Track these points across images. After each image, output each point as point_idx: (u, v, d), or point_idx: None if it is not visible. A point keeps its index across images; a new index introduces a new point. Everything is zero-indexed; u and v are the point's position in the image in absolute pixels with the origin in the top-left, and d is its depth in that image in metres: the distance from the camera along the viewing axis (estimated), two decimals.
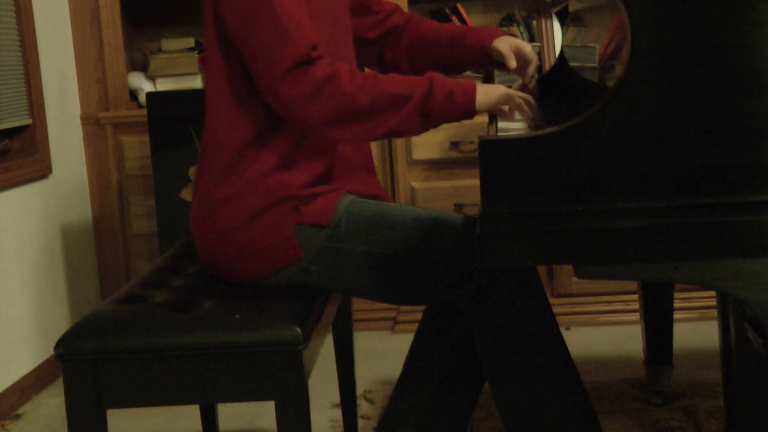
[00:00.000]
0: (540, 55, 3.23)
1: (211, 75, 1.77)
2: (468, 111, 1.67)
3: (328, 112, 1.64)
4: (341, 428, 2.39)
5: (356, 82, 1.64)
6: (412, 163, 3.20)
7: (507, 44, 1.93)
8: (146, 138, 3.25)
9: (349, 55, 1.89)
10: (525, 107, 1.72)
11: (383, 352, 3.07)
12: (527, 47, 1.93)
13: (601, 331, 3.14)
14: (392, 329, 3.28)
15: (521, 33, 3.31)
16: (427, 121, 1.66)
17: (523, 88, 1.95)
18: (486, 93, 1.68)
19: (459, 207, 3.15)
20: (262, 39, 1.65)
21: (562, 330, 3.07)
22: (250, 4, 1.66)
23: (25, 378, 2.82)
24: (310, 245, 1.73)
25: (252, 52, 1.67)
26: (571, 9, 2.24)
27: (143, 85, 3.36)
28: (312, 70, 1.63)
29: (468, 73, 3.26)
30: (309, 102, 1.63)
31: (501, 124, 1.78)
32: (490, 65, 1.99)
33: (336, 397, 2.48)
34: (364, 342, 3.14)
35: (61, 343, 1.58)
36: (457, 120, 1.69)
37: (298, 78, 1.63)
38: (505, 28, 3.32)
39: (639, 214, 1.38)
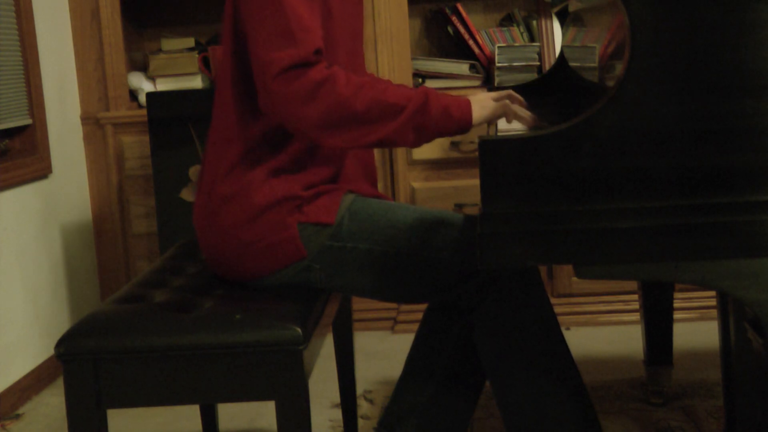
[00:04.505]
0: (540, 55, 3.23)
1: (223, 70, 1.76)
2: (463, 127, 1.67)
3: (321, 115, 1.61)
4: (341, 428, 2.39)
5: (352, 87, 1.62)
6: (412, 163, 3.20)
7: None
8: (146, 138, 3.25)
9: (362, 68, 1.89)
10: (521, 113, 1.71)
11: (383, 352, 3.07)
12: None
13: (601, 331, 3.14)
14: (392, 329, 3.28)
15: (521, 33, 3.31)
16: (421, 134, 1.65)
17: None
18: (481, 107, 1.68)
19: (459, 207, 3.15)
20: (266, 36, 1.63)
21: (562, 330, 3.07)
22: (262, 2, 1.64)
23: (25, 378, 2.82)
24: (312, 244, 1.73)
25: (255, 48, 1.65)
26: (571, 9, 2.24)
27: (143, 85, 3.36)
28: (308, 72, 1.61)
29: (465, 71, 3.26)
30: (302, 103, 1.61)
31: (501, 125, 1.78)
32: None
33: (336, 397, 2.48)
34: (364, 342, 3.14)
35: (61, 343, 1.58)
36: (452, 135, 1.68)
37: (292, 79, 1.61)
38: (504, 29, 3.32)
39: (639, 214, 1.38)
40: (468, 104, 1.66)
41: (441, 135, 1.67)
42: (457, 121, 1.65)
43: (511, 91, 1.83)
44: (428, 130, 1.64)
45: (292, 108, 1.62)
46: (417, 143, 1.66)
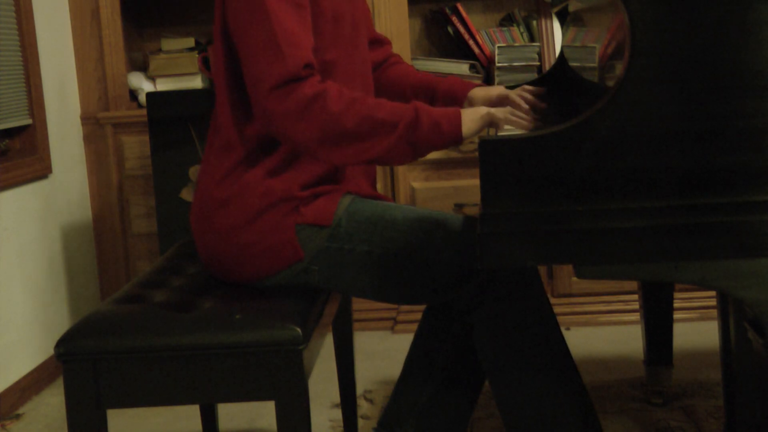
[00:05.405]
0: (540, 55, 3.23)
1: (217, 75, 1.77)
2: (454, 140, 1.66)
3: (315, 131, 1.62)
4: (341, 428, 2.39)
5: (343, 103, 1.63)
6: (412, 163, 3.20)
7: (483, 95, 1.92)
8: (146, 138, 3.25)
9: (363, 70, 1.89)
10: (512, 118, 1.70)
11: (383, 352, 3.07)
12: (503, 90, 1.92)
13: (601, 331, 3.14)
14: (392, 329, 3.28)
15: (521, 33, 3.31)
16: (415, 150, 1.65)
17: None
18: (470, 120, 1.67)
19: (459, 207, 3.15)
20: (254, 51, 1.64)
21: (562, 330, 3.08)
22: (250, 13, 1.65)
23: (25, 378, 2.82)
24: (310, 245, 1.73)
25: (245, 62, 1.67)
26: (571, 9, 2.24)
27: (143, 85, 3.36)
28: (300, 88, 1.62)
29: (466, 68, 3.26)
30: (296, 120, 1.62)
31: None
32: None
33: (336, 397, 2.48)
34: (364, 342, 3.14)
35: (61, 343, 1.58)
36: (445, 148, 1.68)
37: (285, 95, 1.62)
38: (504, 29, 3.32)
39: (639, 214, 1.38)
40: (458, 117, 1.66)
41: (434, 149, 1.67)
42: (448, 135, 1.65)
43: (520, 99, 1.81)
44: (421, 145, 1.65)
45: (287, 124, 1.63)
46: (413, 159, 1.67)
